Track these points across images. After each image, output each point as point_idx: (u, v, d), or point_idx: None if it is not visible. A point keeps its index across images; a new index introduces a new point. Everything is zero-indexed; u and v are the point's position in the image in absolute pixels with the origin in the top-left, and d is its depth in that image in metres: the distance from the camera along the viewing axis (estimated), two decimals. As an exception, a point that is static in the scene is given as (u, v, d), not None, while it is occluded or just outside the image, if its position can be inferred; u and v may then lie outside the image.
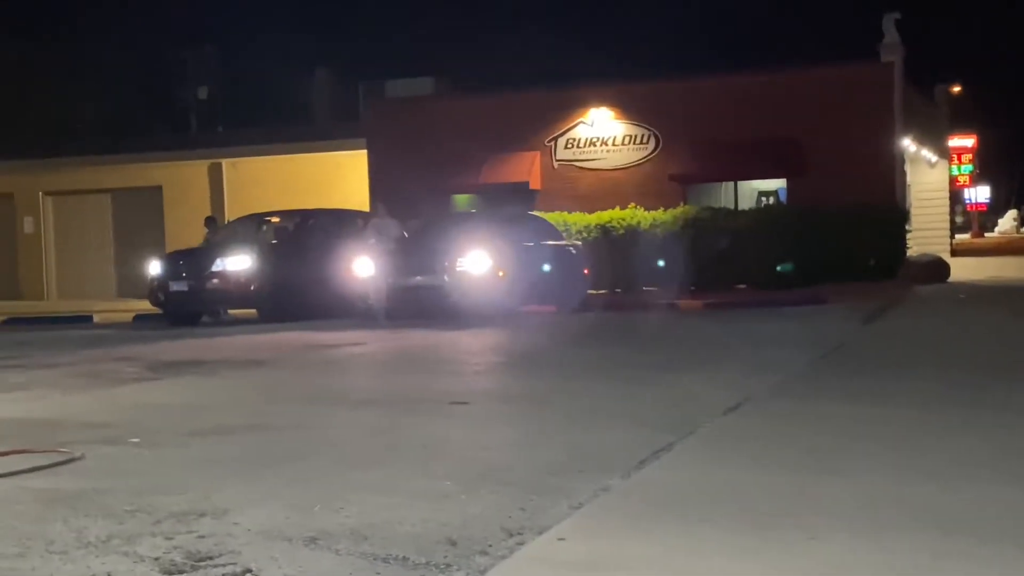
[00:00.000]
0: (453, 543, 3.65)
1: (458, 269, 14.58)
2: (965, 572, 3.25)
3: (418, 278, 14.82)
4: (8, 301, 27.11)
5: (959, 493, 4.19)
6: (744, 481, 4.52)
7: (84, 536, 3.65)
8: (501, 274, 14.61)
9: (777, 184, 23.83)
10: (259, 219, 18.29)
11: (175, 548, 3.52)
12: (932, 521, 3.79)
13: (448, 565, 3.44)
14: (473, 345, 11.28)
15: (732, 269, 20.09)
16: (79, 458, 5.01)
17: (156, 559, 3.41)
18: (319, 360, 9.91)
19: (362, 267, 15.40)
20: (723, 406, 6.42)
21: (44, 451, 5.18)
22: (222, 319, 16.91)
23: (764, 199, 24.96)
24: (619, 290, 20.30)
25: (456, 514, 4.03)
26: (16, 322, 20.45)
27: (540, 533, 3.78)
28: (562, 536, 3.73)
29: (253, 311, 16.49)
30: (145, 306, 17.79)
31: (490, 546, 3.64)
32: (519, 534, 3.79)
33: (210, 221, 19.86)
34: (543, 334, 12.69)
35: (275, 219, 17.97)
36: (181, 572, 3.29)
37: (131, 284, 26.77)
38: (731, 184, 23.18)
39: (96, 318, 20.39)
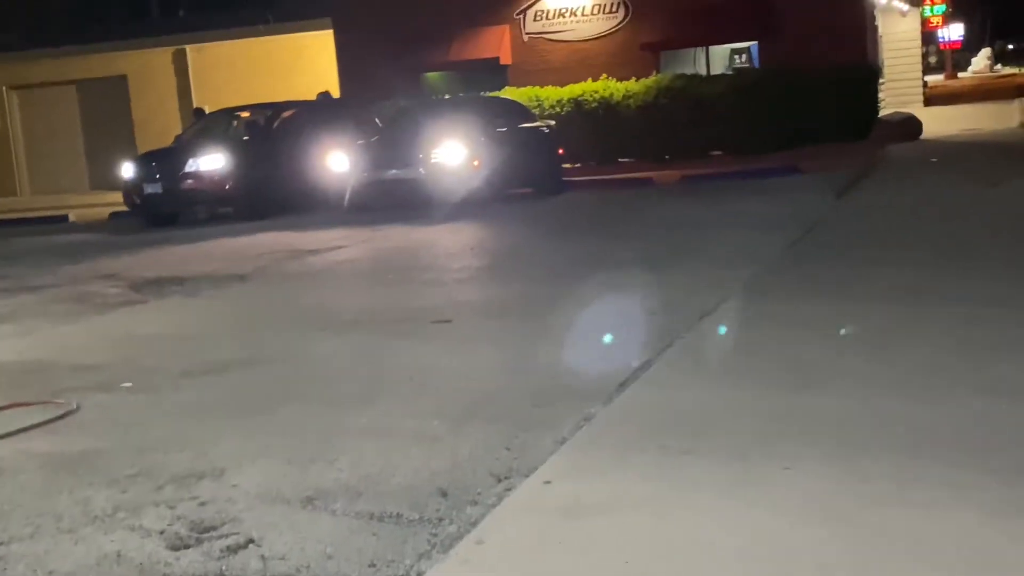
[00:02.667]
0: (444, 494, 3.82)
1: (433, 161, 14.55)
2: (933, 497, 3.42)
3: (393, 171, 14.79)
4: (-19, 198, 26.94)
5: (934, 408, 4.36)
6: (721, 402, 4.69)
7: (90, 509, 3.79)
8: (476, 163, 14.60)
9: (749, 43, 23.61)
10: (229, 114, 18.08)
11: (178, 519, 3.68)
12: (906, 441, 3.97)
13: (440, 519, 3.61)
14: (452, 245, 11.37)
15: (706, 136, 20.08)
16: (75, 410, 5.14)
17: (161, 532, 3.57)
18: (300, 271, 9.99)
19: (336, 161, 15.35)
20: (699, 310, 6.57)
21: (40, 403, 5.30)
22: (198, 217, 16.88)
23: (737, 57, 24.75)
24: (594, 163, 20.29)
25: (445, 459, 4.19)
26: (-11, 223, 20.37)
27: (527, 475, 3.95)
28: (548, 479, 3.90)
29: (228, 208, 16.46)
30: (119, 200, 17.71)
31: (479, 494, 3.82)
32: (507, 478, 3.96)
33: (198, 113, 19.60)
34: (520, 225, 12.77)
35: (246, 114, 17.77)
36: (187, 546, 3.45)
37: (103, 176, 26.57)
38: (703, 50, 22.95)
39: (72, 216, 20.31)
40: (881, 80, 23.98)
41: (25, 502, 3.91)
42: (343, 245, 11.61)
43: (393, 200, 14.70)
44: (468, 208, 13.99)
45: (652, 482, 3.80)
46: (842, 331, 5.81)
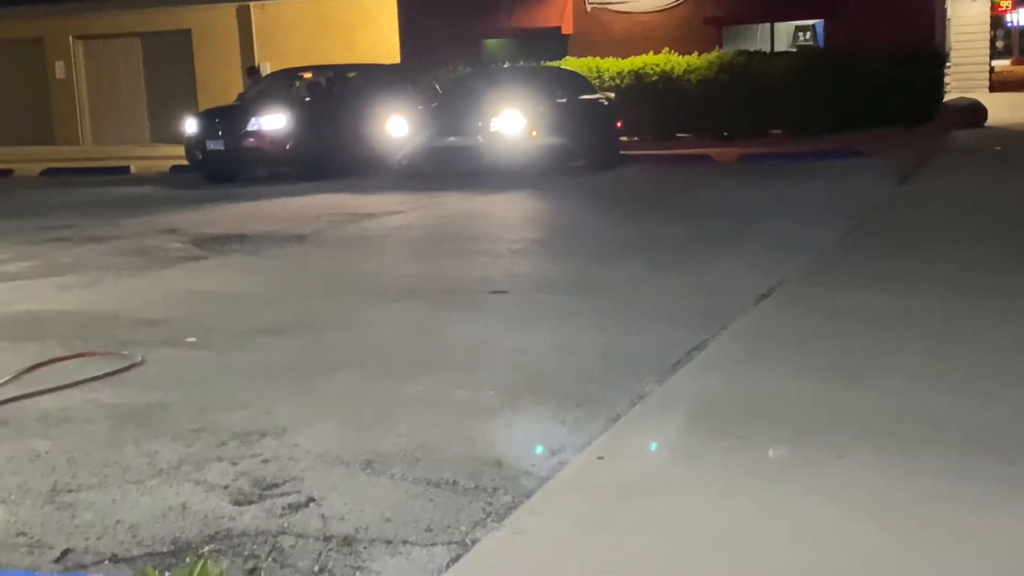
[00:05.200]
0: (499, 465, 3.90)
1: (492, 129, 14.60)
2: (986, 494, 3.44)
3: (452, 138, 14.87)
4: (44, 146, 27.37)
5: (989, 404, 4.36)
6: (775, 388, 4.72)
7: (156, 462, 3.92)
8: (534, 133, 14.62)
9: (814, 20, 23.32)
10: (292, 74, 18.22)
11: (242, 475, 3.79)
12: (959, 437, 3.98)
13: (496, 489, 3.68)
14: (507, 215, 11.44)
15: (766, 115, 19.90)
16: (140, 363, 5.28)
17: (225, 487, 3.68)
18: (358, 235, 10.11)
19: (396, 126, 15.44)
20: (755, 293, 6.59)
21: (106, 354, 5.45)
22: (257, 175, 17.07)
23: (801, 35, 24.46)
24: (651, 137, 20.22)
25: (500, 431, 4.27)
26: (55, 172, 20.72)
27: (580, 451, 4.02)
28: (601, 455, 3.96)
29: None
30: (180, 153, 17.95)
31: (533, 466, 3.89)
32: (560, 452, 4.03)
33: (252, 71, 19.77)
34: (576, 198, 12.79)
35: (308, 75, 17.90)
36: (250, 502, 3.56)
37: (164, 129, 26.90)
38: (767, 26, 22.71)
39: (133, 168, 20.61)
40: (947, 64, 23.62)
41: (93, 451, 4.05)
42: (400, 210, 11.71)
43: (450, 167, 14.79)
44: (525, 178, 14.04)
45: (703, 465, 3.85)
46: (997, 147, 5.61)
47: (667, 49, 20.99)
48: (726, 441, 4.06)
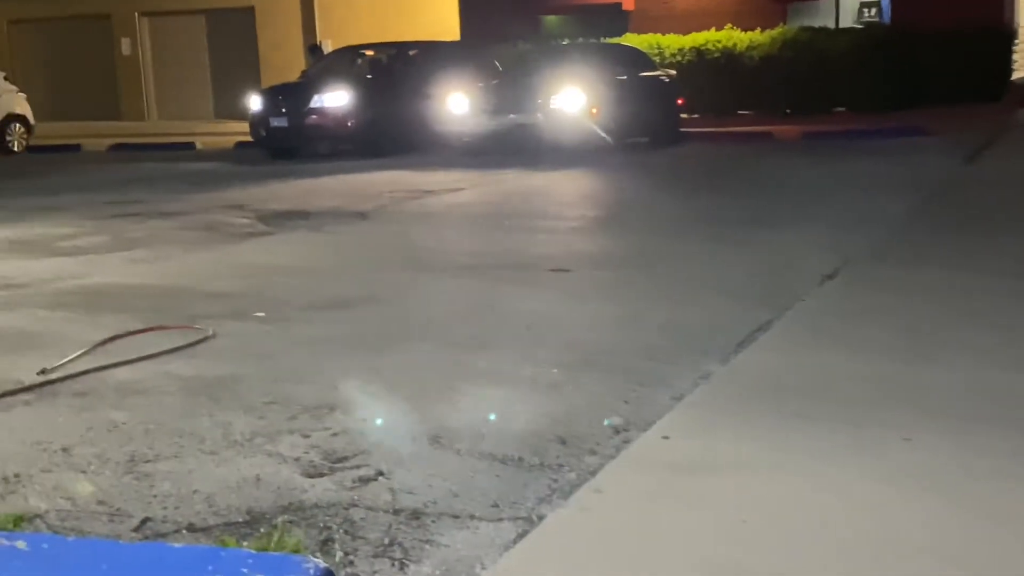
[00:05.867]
0: (563, 441, 3.94)
1: (552, 106, 14.60)
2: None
3: (512, 115, 14.90)
4: (110, 122, 27.83)
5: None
6: (841, 368, 4.71)
7: (230, 433, 4.02)
8: (594, 111, 14.60)
9: (880, -3, 22.99)
10: (354, 52, 18.35)
11: (313, 447, 3.87)
12: (1026, 421, 3.95)
13: (560, 466, 3.73)
14: (567, 192, 11.46)
15: (830, 92, 19.68)
16: (211, 336, 5.39)
17: (297, 459, 3.77)
18: (418, 211, 10.19)
19: (456, 103, 15.50)
20: (820, 273, 6.55)
21: (179, 327, 5.57)
22: (318, 152, 17.24)
23: (866, 11, 24.12)
24: (712, 114, 20.09)
25: (564, 408, 4.31)
26: (123, 148, 21.10)
27: (644, 429, 4.04)
28: (666, 434, 3.99)
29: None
30: (243, 129, 18.19)
31: (598, 444, 3.92)
32: (625, 430, 4.06)
33: (314, 49, 19.95)
34: (637, 176, 12.77)
35: (370, 52, 18.01)
36: (321, 474, 3.64)
37: (228, 106, 27.22)
38: (832, 2, 22.41)
39: (198, 144, 20.91)
40: (1015, 42, 23.15)
41: (168, 422, 4.15)
42: (460, 187, 11.78)
43: (510, 144, 14.82)
44: (585, 155, 14.03)
45: (768, 444, 3.86)
46: None
47: (729, 25, 20.82)
48: (791, 421, 4.06)
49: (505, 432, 4.04)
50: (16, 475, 3.61)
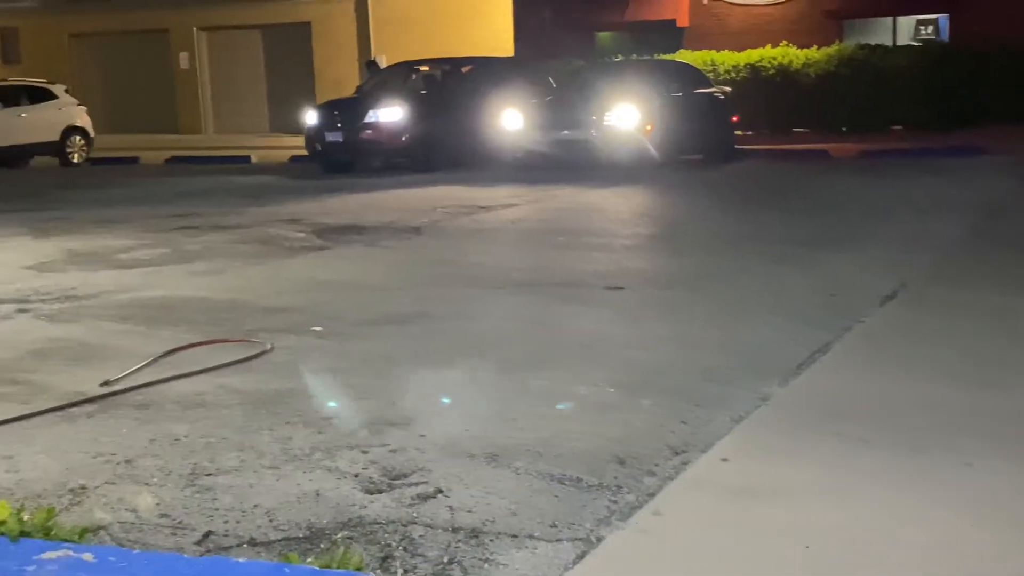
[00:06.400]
0: (621, 462, 3.92)
1: (606, 123, 14.60)
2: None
3: (566, 131, 14.92)
4: (168, 135, 28.23)
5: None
6: (902, 392, 4.65)
7: (290, 448, 4.04)
8: (648, 128, 14.58)
9: (938, 15, 22.74)
10: (409, 68, 18.49)
11: (372, 464, 3.88)
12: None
13: (619, 487, 3.70)
14: (621, 209, 11.43)
15: (886, 110, 19.50)
16: (269, 350, 5.43)
17: (356, 476, 3.78)
18: (473, 227, 10.22)
19: (510, 119, 15.54)
20: (879, 295, 6.48)
21: (238, 341, 5.62)
22: (372, 166, 17.37)
23: (922, 29, 23.88)
24: (767, 131, 19.98)
25: (621, 428, 4.29)
26: (180, 161, 21.39)
27: (703, 451, 4.01)
28: (725, 456, 3.96)
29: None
30: (298, 143, 18.36)
31: (656, 466, 3.90)
32: (683, 452, 4.03)
33: (371, 64, 20.13)
34: (691, 194, 12.72)
35: (424, 68, 18.14)
36: (380, 491, 3.65)
37: (283, 120, 27.50)
38: (889, 20, 22.22)
39: (254, 157, 21.15)
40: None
41: (229, 436, 4.19)
42: (514, 203, 11.80)
43: (563, 160, 14.84)
44: (638, 172, 14.00)
45: (829, 469, 3.81)
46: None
47: (784, 42, 20.70)
48: (852, 445, 4.01)
49: (563, 451, 4.02)
50: (81, 486, 3.66)
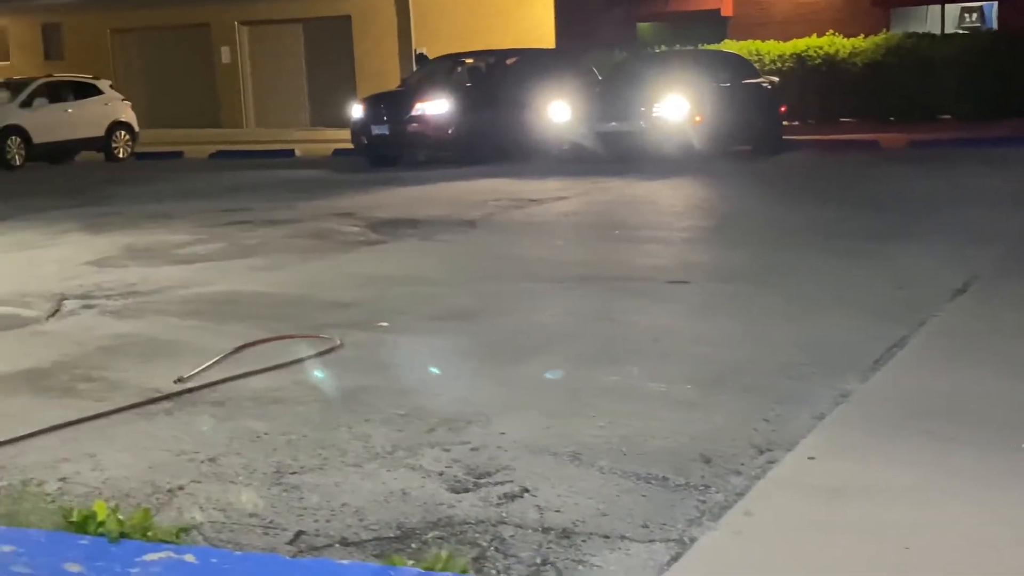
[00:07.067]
0: (707, 460, 3.87)
1: (654, 115, 14.50)
2: None
3: (614, 124, 14.83)
4: (210, 129, 28.38)
5: None
6: (984, 388, 4.56)
7: (371, 446, 4.02)
8: (698, 119, 14.46)
9: (983, 1, 22.42)
10: (454, 60, 18.45)
11: (455, 462, 3.85)
12: None
13: (707, 487, 3.65)
14: (674, 201, 11.35)
15: (934, 99, 19.25)
16: (339, 346, 5.42)
17: (440, 474, 3.75)
18: (526, 221, 10.18)
19: (557, 111, 15.47)
20: (950, 287, 6.38)
21: (306, 336, 5.61)
22: (417, 159, 17.37)
23: (967, 16, 23.54)
24: (812, 122, 19.79)
25: (703, 426, 4.23)
26: (224, 155, 21.49)
27: (788, 449, 3.95)
28: (812, 455, 3.89)
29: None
30: (340, 136, 18.36)
31: (742, 464, 3.84)
32: (768, 450, 3.96)
33: (421, 58, 20.15)
34: (742, 185, 12.62)
35: (469, 60, 18.10)
36: (466, 490, 3.62)
37: (324, 113, 27.58)
38: (937, 8, 21.91)
39: (297, 151, 21.20)
40: None
41: (309, 433, 4.17)
42: (565, 196, 11.73)
43: (611, 152, 14.75)
44: (687, 164, 13.90)
45: (918, 468, 3.74)
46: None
47: (830, 32, 20.47)
48: (940, 443, 3.94)
49: (646, 450, 3.97)
50: (168, 486, 3.66)
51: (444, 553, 2.76)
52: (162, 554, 2.71)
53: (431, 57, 20.13)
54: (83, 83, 22.89)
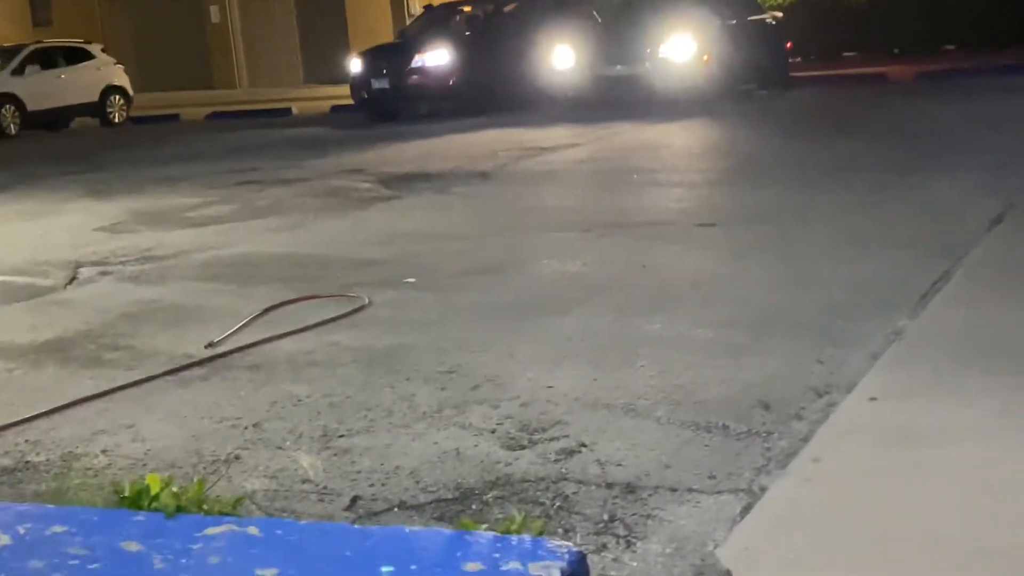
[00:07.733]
0: (766, 407, 3.74)
1: (660, 56, 14.24)
2: None
3: (619, 67, 14.58)
4: (203, 91, 28.08)
5: None
6: (1040, 321, 4.44)
7: (416, 406, 3.89)
8: (705, 58, 14.22)
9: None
10: (451, 9, 18.15)
11: (506, 419, 3.73)
12: None
13: (769, 433, 3.53)
14: (688, 143, 11.17)
15: (938, 29, 18.97)
16: (368, 305, 5.28)
17: (492, 432, 3.63)
18: (541, 170, 10.00)
19: (560, 56, 15.21)
20: (985, 218, 6.24)
21: (333, 296, 5.47)
22: (419, 112, 17.13)
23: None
24: (815, 57, 19.54)
25: (756, 371, 4.10)
26: (220, 116, 21.24)
27: (847, 391, 3.82)
28: (873, 396, 3.77)
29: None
30: (335, 93, 18.10)
31: (803, 409, 3.71)
32: (827, 393, 3.84)
33: (429, 9, 19.86)
34: (755, 125, 12.42)
35: (467, 8, 17.79)
36: (521, 447, 3.50)
37: (317, 69, 27.26)
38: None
39: (294, 109, 20.95)
40: None
41: (352, 395, 4.04)
42: (576, 143, 11.54)
43: (617, 96, 14.52)
44: (695, 105, 13.68)
45: (986, 406, 3.61)
46: None
47: (832, -36, 20.13)
48: (1004, 378, 3.81)
49: (702, 398, 3.85)
50: (214, 453, 3.54)
51: (518, 516, 2.63)
52: (223, 527, 2.58)
53: (432, 7, 19.83)
54: (75, 48, 22.59)
